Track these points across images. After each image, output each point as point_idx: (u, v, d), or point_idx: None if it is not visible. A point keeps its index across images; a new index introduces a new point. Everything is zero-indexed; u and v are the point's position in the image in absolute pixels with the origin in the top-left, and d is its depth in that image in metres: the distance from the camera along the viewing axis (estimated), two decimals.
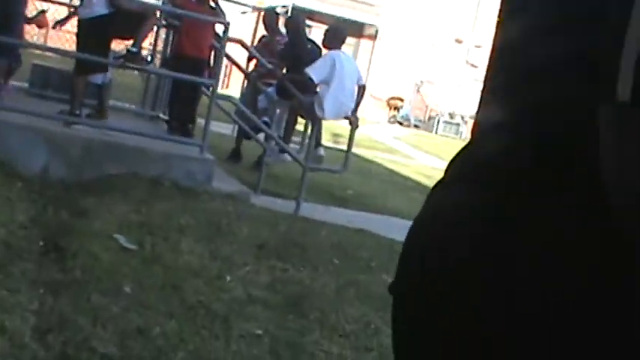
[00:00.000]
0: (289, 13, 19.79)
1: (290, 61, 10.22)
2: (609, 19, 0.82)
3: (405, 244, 1.13)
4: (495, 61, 1.10)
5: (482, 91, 1.13)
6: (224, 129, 13.13)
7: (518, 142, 0.99)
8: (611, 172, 0.84)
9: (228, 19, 9.44)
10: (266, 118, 10.17)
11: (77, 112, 8.57)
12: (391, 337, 1.13)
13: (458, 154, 1.12)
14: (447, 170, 1.12)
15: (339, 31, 10.11)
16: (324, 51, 10.02)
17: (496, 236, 0.97)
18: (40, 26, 10.71)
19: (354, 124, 9.74)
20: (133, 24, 8.45)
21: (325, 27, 10.93)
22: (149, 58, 11.01)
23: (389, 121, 30.52)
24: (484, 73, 1.13)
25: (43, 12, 10.34)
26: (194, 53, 9.33)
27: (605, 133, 0.83)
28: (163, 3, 11.18)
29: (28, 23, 10.37)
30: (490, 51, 1.12)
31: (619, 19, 0.80)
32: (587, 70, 0.87)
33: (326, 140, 13.50)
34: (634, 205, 0.82)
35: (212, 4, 9.95)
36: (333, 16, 27.94)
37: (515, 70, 1.04)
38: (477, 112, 1.13)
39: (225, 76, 21.89)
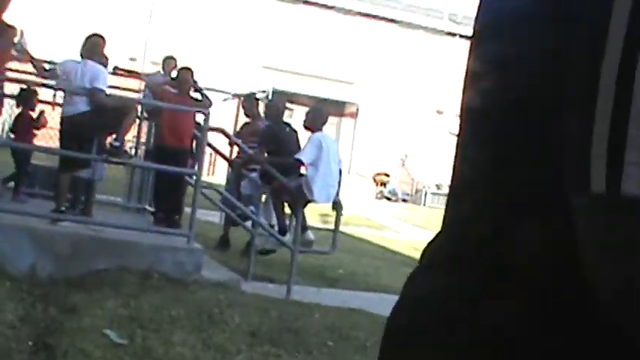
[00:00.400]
0: (269, 97, 19.95)
1: (270, 145, 10.27)
2: (574, 107, 0.81)
3: (388, 327, 1.12)
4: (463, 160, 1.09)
5: (453, 184, 1.12)
6: (211, 216, 13.14)
7: (498, 231, 0.99)
8: (596, 269, 0.82)
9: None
10: (252, 207, 10.16)
11: (63, 208, 8.59)
12: None
13: (433, 240, 1.12)
14: (422, 256, 1.12)
15: (321, 112, 10.20)
16: (306, 133, 10.06)
17: (482, 313, 0.96)
18: (41, 127, 10.68)
19: (339, 206, 9.77)
20: (115, 119, 8.52)
21: (306, 108, 11.02)
22: (132, 151, 11.08)
23: (376, 197, 30.57)
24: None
25: (42, 113, 10.40)
26: (175, 144, 9.41)
27: (583, 227, 0.81)
28: (144, 96, 11.31)
29: (37, 128, 10.37)
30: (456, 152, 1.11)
31: (584, 107, 0.79)
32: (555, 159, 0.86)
33: (314, 221, 13.51)
34: (626, 296, 0.80)
35: (196, 94, 10.08)
36: (313, 97, 28.22)
37: (484, 164, 1.03)
38: (450, 201, 1.12)
39: (210, 164, 22.02)
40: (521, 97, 0.98)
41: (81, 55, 8.92)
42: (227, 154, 11.90)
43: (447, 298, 1.01)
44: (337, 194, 9.79)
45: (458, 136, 1.12)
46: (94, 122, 8.39)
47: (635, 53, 0.78)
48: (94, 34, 9.25)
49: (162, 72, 12.22)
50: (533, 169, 0.95)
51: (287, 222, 10.21)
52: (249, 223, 10.19)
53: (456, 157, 1.13)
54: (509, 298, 0.95)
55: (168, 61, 12.10)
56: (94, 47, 8.95)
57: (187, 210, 9.33)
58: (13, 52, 9.77)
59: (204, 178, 11.72)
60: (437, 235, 1.11)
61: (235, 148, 11.65)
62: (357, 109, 31.60)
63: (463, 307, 0.99)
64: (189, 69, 10.12)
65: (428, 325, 1.03)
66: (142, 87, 12.72)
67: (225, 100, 18.78)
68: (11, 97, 10.92)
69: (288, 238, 9.84)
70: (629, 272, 0.78)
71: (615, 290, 0.80)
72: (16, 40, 9.72)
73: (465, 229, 1.05)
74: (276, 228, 10.05)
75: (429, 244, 1.12)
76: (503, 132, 1.00)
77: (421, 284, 1.09)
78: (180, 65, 11.19)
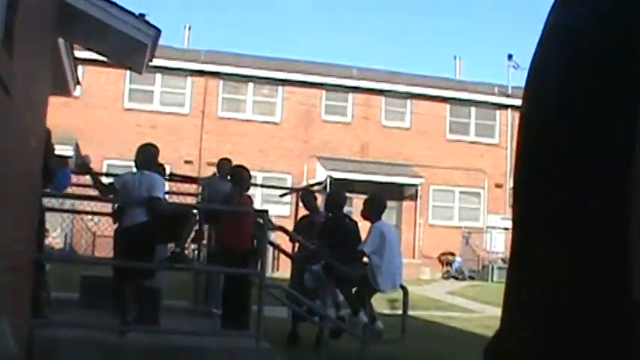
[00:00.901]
0: (327, 189, 19.99)
1: (331, 238, 10.21)
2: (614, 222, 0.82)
3: None
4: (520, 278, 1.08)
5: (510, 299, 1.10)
6: (279, 312, 13.04)
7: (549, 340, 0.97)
8: None
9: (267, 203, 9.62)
10: (318, 302, 10.07)
11: (129, 319, 8.59)
12: None
13: (490, 348, 1.10)
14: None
15: (378, 201, 10.15)
16: (363, 223, 10.00)
17: None
18: None
19: (405, 291, 9.67)
20: (175, 226, 8.57)
21: (364, 196, 10.97)
22: (195, 254, 11.11)
23: (443, 277, 30.29)
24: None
25: None
26: (236, 244, 9.41)
27: (628, 328, 0.82)
28: (202, 199, 11.40)
29: None
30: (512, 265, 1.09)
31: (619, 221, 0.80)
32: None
33: (382, 307, 13.38)
34: None
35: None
36: (371, 182, 28.25)
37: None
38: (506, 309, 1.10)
39: (274, 258, 22.03)
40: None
41: (135, 164, 9.05)
42: (289, 249, 11.87)
43: None
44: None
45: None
46: (154, 231, 8.46)
47: None
48: (148, 144, 9.39)
49: (217, 174, 12.30)
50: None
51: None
52: (317, 318, 10.11)
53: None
54: None
55: (224, 163, 12.18)
56: (148, 157, 9.07)
57: (255, 308, 9.29)
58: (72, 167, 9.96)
59: (269, 274, 11.72)
60: (494, 339, 1.07)
61: (297, 243, 11.61)
62: (417, 191, 31.54)
63: None
64: (244, 168, 10.18)
65: None
66: (200, 190, 12.81)
67: (282, 195, 18.91)
68: (73, 211, 11.12)
69: (362, 316, 9.62)
70: None
71: None
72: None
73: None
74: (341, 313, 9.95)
75: (488, 350, 1.08)
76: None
77: None
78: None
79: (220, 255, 9.79)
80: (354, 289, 10.03)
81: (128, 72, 26.29)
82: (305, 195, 12.07)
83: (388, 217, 11.01)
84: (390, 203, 25.90)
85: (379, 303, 13.18)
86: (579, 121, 0.94)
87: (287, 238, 11.50)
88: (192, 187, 14.64)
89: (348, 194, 13.07)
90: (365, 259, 9.65)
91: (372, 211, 9.75)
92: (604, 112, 0.91)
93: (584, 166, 0.93)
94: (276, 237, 14.37)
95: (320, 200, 12.51)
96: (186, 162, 27.95)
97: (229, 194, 9.93)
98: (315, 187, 19.04)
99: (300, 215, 12.81)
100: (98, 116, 28.30)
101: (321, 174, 28.96)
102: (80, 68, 14.14)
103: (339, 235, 10.15)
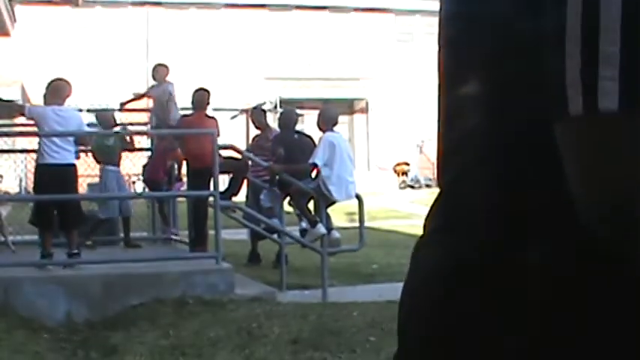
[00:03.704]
0: (277, 107, 19.90)
1: (284, 154, 10.21)
2: (547, 38, 0.82)
3: (398, 313, 1.12)
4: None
5: (442, 150, 1.11)
6: (241, 234, 13.06)
7: (490, 186, 0.97)
8: (578, 188, 0.81)
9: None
10: (275, 220, 10.09)
11: (76, 251, 8.53)
12: None
13: (432, 207, 1.11)
14: (424, 226, 1.12)
15: (330, 112, 10.16)
16: (316, 136, 10.03)
17: (459, 295, 0.97)
18: None
19: (360, 201, 9.71)
20: None
21: (316, 112, 10.96)
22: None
23: (400, 188, 30.46)
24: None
25: None
26: (202, 165, 9.38)
27: (566, 151, 0.81)
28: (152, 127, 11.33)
29: None
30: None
31: (555, 34, 0.80)
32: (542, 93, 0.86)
33: (342, 220, 13.49)
34: (609, 215, 0.80)
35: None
36: (320, 99, 28.18)
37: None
38: (440, 164, 1.11)
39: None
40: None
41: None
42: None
43: (438, 276, 1.00)
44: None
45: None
46: None
47: None
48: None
49: (155, 82, 11.86)
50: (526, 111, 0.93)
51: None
52: (276, 236, 10.17)
53: (440, 126, 1.11)
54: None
55: (159, 68, 11.79)
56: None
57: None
58: None
59: None
60: (436, 200, 1.09)
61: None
62: (367, 104, 31.51)
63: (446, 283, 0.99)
64: (205, 90, 10.15)
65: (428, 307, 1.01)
66: (149, 119, 12.62)
67: (233, 117, 18.81)
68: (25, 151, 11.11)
69: (320, 227, 9.56)
70: (611, 186, 0.77)
71: (600, 207, 0.79)
72: None
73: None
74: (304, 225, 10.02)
75: (429, 211, 1.10)
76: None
77: (420, 261, 1.07)
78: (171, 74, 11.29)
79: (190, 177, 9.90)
80: (310, 203, 10.05)
81: None
82: (255, 113, 12.01)
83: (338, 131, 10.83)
84: (341, 118, 25.81)
85: (338, 217, 13.27)
86: None
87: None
88: (143, 118, 14.44)
89: (298, 111, 13.05)
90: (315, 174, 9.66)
91: (326, 123, 9.72)
92: None
93: None
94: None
95: (270, 119, 12.48)
96: (135, 95, 27.64)
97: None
98: (265, 107, 18.96)
99: (250, 136, 12.79)
100: None
101: (269, 94, 28.80)
102: None
103: (289, 150, 10.15)
